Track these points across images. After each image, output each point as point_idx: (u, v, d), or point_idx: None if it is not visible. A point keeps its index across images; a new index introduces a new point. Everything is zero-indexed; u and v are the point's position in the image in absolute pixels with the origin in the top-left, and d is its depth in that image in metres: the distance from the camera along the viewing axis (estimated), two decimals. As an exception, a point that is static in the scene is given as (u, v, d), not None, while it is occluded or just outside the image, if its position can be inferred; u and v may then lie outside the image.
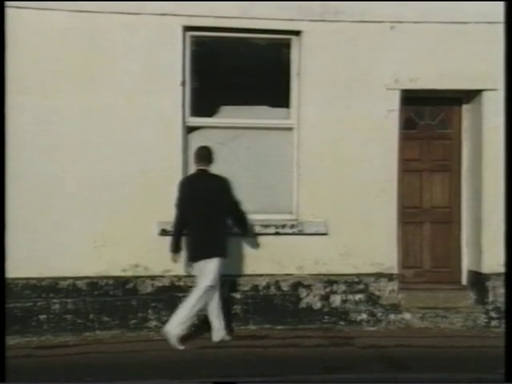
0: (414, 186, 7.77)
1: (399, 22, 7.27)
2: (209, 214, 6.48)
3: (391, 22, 7.26)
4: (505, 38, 5.55)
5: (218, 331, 6.70)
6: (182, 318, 6.46)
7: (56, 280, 6.86)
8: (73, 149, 6.83)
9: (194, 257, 6.60)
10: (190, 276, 7.09)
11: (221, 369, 5.87)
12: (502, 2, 5.77)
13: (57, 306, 6.87)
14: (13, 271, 6.36)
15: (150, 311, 7.06)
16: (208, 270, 6.51)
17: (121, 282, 6.99)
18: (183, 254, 6.70)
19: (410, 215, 7.73)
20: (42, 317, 6.83)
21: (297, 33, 7.25)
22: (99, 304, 6.95)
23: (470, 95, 7.64)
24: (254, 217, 7.22)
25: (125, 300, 6.99)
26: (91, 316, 6.95)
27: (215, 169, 7.37)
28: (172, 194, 7.02)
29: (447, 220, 7.84)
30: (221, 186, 6.63)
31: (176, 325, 6.44)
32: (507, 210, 5.24)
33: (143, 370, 5.84)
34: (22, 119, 6.76)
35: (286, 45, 7.36)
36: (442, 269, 7.80)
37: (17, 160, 6.53)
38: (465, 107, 7.78)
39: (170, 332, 6.43)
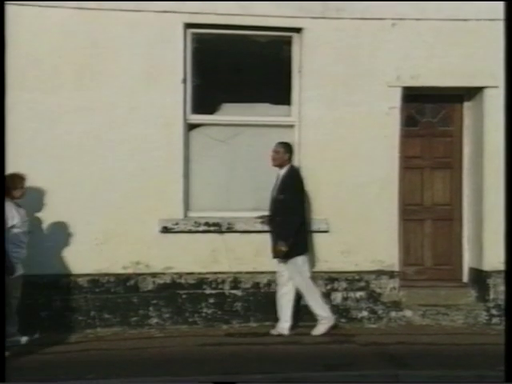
0: (415, 184, 7.77)
1: (400, 19, 7.25)
2: None
3: (392, 19, 7.25)
4: (505, 38, 5.54)
5: (285, 323, 6.81)
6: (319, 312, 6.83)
7: (57, 277, 6.86)
8: (73, 146, 6.83)
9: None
10: (190, 273, 7.12)
11: (221, 366, 5.87)
12: (502, 2, 5.78)
13: (58, 304, 6.87)
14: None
15: (151, 308, 7.07)
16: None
17: (122, 279, 7.00)
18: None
19: (411, 212, 7.73)
20: (44, 314, 6.83)
21: (298, 30, 7.24)
22: (100, 301, 6.96)
23: (472, 92, 7.63)
24: (255, 214, 7.24)
25: (126, 297, 7.00)
26: (92, 313, 6.96)
27: (215, 166, 7.41)
28: (173, 191, 7.06)
29: (448, 217, 7.83)
30: None
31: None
32: (507, 209, 5.24)
33: (144, 367, 5.85)
34: (23, 116, 6.77)
35: (287, 42, 7.35)
36: (443, 266, 7.80)
37: (18, 157, 6.51)
38: (466, 104, 7.77)
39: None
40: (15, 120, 6.71)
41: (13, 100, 6.70)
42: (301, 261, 6.82)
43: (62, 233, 6.86)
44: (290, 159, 6.97)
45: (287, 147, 6.96)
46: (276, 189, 6.91)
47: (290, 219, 6.71)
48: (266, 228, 7.15)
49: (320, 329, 6.89)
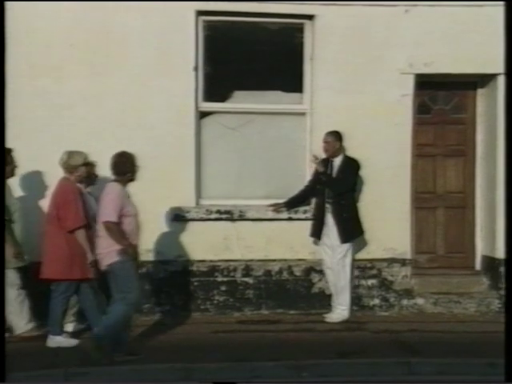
0: (428, 171, 7.73)
1: (414, 5, 7.19)
2: None
3: (405, 5, 7.19)
4: (505, 38, 5.50)
5: (343, 311, 6.91)
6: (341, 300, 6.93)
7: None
8: (85, 134, 6.82)
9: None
10: (202, 261, 7.13)
11: (234, 353, 5.89)
12: (502, 2, 5.75)
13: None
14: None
15: (162, 296, 7.09)
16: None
17: (134, 267, 7.02)
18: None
19: (424, 200, 7.70)
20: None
21: (310, 17, 7.20)
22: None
23: (485, 79, 7.56)
24: (267, 202, 7.24)
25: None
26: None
27: (226, 154, 7.40)
28: (185, 178, 7.06)
29: (461, 205, 7.79)
30: None
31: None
32: (507, 207, 5.23)
33: (156, 353, 5.87)
34: (35, 104, 6.79)
35: (299, 29, 7.31)
36: (456, 254, 7.77)
37: (29, 145, 6.56)
38: (480, 91, 7.71)
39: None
40: (27, 108, 6.76)
41: (25, 88, 6.75)
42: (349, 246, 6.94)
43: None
44: (341, 148, 6.97)
45: (337, 136, 6.95)
46: (333, 177, 6.93)
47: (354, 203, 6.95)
48: (278, 216, 7.17)
49: (333, 317, 6.91)
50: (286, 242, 7.24)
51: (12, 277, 6.17)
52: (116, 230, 5.48)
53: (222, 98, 7.37)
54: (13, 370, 5.32)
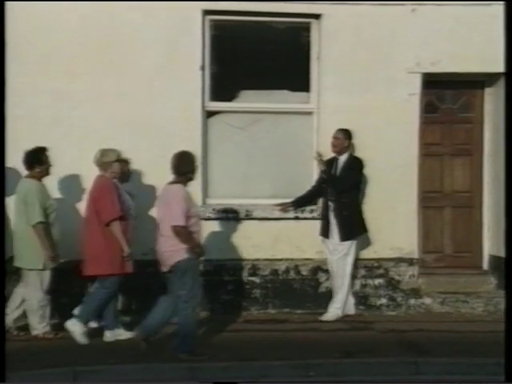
0: (435, 171, 7.72)
1: (420, 4, 7.18)
2: None
3: (412, 4, 7.18)
4: (505, 38, 5.49)
5: (337, 309, 6.95)
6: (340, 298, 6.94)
7: (78, 264, 6.88)
8: (92, 133, 6.85)
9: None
10: (209, 260, 7.12)
11: (240, 352, 5.89)
12: (502, 2, 5.74)
13: (78, 290, 6.90)
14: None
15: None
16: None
17: (141, 266, 6.98)
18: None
19: (431, 200, 7.68)
20: (64, 301, 6.86)
21: (317, 16, 7.19)
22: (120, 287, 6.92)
23: (493, 78, 7.54)
24: (273, 201, 7.24)
25: (145, 283, 6.98)
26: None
27: (233, 153, 7.40)
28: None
29: (468, 204, 7.77)
30: None
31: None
32: (507, 207, 5.22)
33: (162, 352, 5.87)
34: (46, 103, 6.82)
35: (306, 28, 7.32)
36: (463, 253, 7.75)
37: (40, 143, 6.53)
38: (487, 90, 7.69)
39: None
40: (38, 106, 6.80)
41: (35, 87, 6.79)
42: (353, 246, 6.96)
43: (78, 219, 6.88)
44: (349, 146, 6.97)
45: (347, 133, 6.96)
46: (335, 176, 6.95)
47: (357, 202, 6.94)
48: (285, 215, 7.17)
49: (327, 316, 6.93)
50: (293, 241, 7.25)
51: (45, 279, 6.23)
52: (185, 232, 5.55)
53: (229, 97, 7.38)
54: (21, 369, 5.37)
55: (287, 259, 7.25)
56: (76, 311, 6.26)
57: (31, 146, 6.44)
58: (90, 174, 6.82)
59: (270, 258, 7.25)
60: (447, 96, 7.76)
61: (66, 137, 6.81)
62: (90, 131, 6.86)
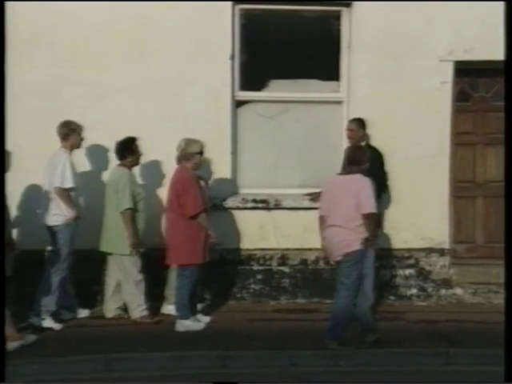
0: (467, 160, 7.61)
1: (453, -9, 7.07)
2: None
3: (445, -10, 7.07)
4: (505, 38, 5.40)
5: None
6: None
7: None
8: (122, 123, 6.86)
9: None
10: (238, 249, 7.15)
11: (270, 341, 5.92)
12: (502, 2, 5.63)
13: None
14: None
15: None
16: None
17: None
18: None
19: (463, 189, 7.58)
20: (96, 288, 6.94)
21: (347, 4, 7.13)
22: (151, 277, 6.95)
23: (527, 66, 7.39)
24: (303, 191, 7.22)
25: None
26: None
27: (263, 143, 7.39)
28: (221, 167, 7.07)
29: (501, 194, 7.64)
30: None
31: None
32: (507, 206, 5.15)
33: (193, 340, 5.93)
34: (74, 94, 6.87)
35: (337, 17, 7.25)
36: (495, 244, 7.61)
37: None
38: (521, 78, 7.54)
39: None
40: (66, 97, 6.85)
41: (64, 78, 6.84)
42: None
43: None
44: (364, 135, 6.90)
45: (361, 123, 6.90)
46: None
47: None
48: (315, 205, 7.13)
49: None
50: (323, 231, 7.22)
51: (133, 262, 6.38)
52: (376, 219, 5.77)
53: (259, 86, 7.36)
54: (53, 356, 5.46)
55: (317, 249, 7.19)
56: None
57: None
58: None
59: (299, 248, 7.23)
60: (480, 84, 7.63)
61: (96, 127, 6.84)
62: (119, 121, 6.88)
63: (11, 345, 5.49)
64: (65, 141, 6.38)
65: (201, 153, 6.34)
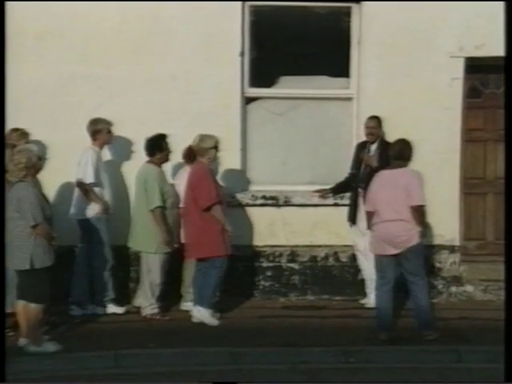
0: (478, 157, 7.59)
1: (464, -14, 7.04)
2: None
3: (455, -13, 7.04)
4: (505, 38, 5.37)
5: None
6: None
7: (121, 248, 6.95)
8: (133, 119, 6.90)
9: None
10: (248, 246, 7.16)
11: (279, 338, 5.94)
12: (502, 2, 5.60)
13: (121, 274, 6.98)
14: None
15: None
16: None
17: (181, 252, 7.08)
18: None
19: (473, 186, 7.56)
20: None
21: (357, 0, 7.11)
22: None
23: (539, 62, 7.36)
24: (312, 187, 7.22)
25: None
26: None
27: (272, 139, 7.40)
28: (231, 164, 7.09)
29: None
30: None
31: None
32: (507, 205, 5.13)
33: (202, 337, 5.95)
34: (86, 90, 6.91)
35: (346, 13, 7.24)
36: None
37: (81, 130, 6.65)
38: (533, 75, 7.51)
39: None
40: (78, 94, 6.90)
41: (76, 74, 6.88)
42: None
43: (123, 206, 6.97)
44: (381, 132, 6.93)
45: (379, 121, 6.91)
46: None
47: None
48: (324, 202, 7.15)
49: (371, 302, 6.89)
50: (332, 227, 7.23)
51: (156, 262, 6.40)
52: (424, 212, 5.86)
53: (268, 83, 7.37)
54: (64, 352, 5.49)
55: (326, 246, 7.23)
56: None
57: (74, 131, 6.58)
58: (132, 161, 6.94)
59: (308, 245, 7.24)
60: (491, 80, 7.60)
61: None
62: (130, 118, 6.90)
63: (27, 345, 5.53)
64: (94, 139, 6.52)
65: (215, 148, 6.36)
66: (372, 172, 6.59)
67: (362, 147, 6.99)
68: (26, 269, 5.43)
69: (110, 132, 6.58)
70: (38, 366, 5.29)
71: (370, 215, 5.98)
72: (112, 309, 6.60)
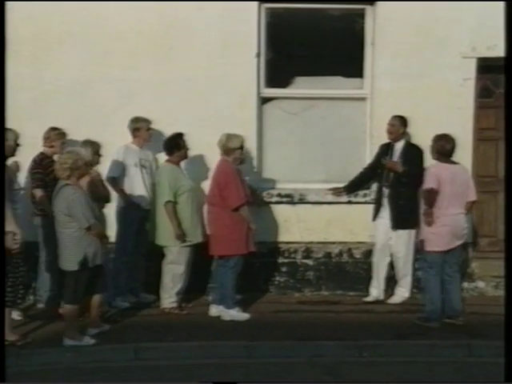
0: (490, 155, 7.65)
1: (477, -13, 7.11)
2: None
3: (468, -12, 7.12)
4: (505, 38, 5.43)
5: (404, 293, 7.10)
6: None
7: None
8: (153, 119, 6.96)
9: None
10: (263, 243, 7.25)
11: (295, 332, 6.05)
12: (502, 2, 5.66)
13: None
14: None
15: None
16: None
17: (197, 248, 7.22)
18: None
19: (485, 184, 7.63)
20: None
21: (371, 2, 7.20)
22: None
23: (550, 62, 7.42)
24: (326, 186, 7.33)
25: (203, 266, 7.14)
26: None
27: (287, 139, 7.51)
28: (246, 163, 7.19)
29: (523, 189, 7.69)
30: None
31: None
32: (507, 204, 5.20)
33: (220, 331, 6.08)
34: (106, 91, 7.05)
35: (360, 14, 7.33)
36: (518, 238, 7.69)
37: (101, 130, 6.80)
38: (544, 75, 7.57)
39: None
40: (99, 95, 7.03)
41: (96, 76, 7.03)
42: (412, 234, 6.92)
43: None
44: (404, 133, 7.01)
45: (402, 120, 6.99)
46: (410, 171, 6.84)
47: (414, 192, 6.72)
48: (338, 199, 7.26)
49: (395, 299, 7.02)
50: (346, 224, 7.33)
51: (175, 254, 6.54)
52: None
53: (284, 83, 7.47)
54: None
55: (340, 242, 7.34)
56: (213, 299, 6.64)
57: (94, 131, 6.73)
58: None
59: (323, 241, 7.35)
60: (503, 80, 7.65)
61: (125, 124, 6.99)
62: (149, 118, 7.02)
63: (91, 331, 5.86)
64: (134, 136, 6.78)
65: (241, 148, 6.49)
66: (399, 175, 6.81)
67: (385, 148, 7.06)
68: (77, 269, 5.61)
69: (149, 130, 6.78)
70: (58, 358, 5.45)
71: (432, 194, 6.14)
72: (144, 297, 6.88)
